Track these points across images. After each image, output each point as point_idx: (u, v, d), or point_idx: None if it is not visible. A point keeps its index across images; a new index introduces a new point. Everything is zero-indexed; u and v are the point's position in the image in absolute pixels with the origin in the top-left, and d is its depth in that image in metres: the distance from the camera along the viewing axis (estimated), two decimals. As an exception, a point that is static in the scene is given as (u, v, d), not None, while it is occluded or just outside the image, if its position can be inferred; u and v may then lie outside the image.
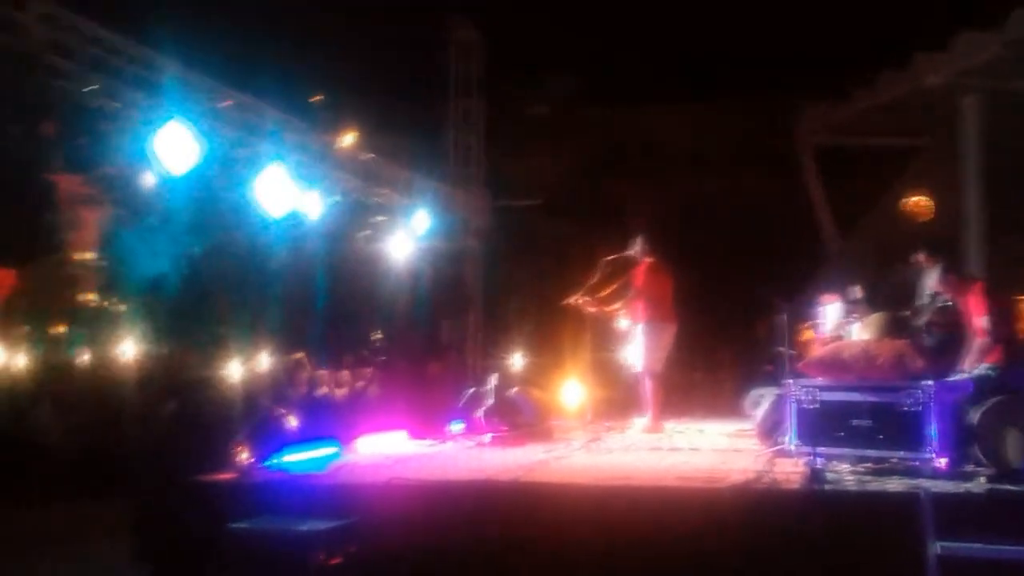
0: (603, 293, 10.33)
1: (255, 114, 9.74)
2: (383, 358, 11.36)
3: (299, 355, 9.63)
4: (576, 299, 10.26)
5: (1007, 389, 6.65)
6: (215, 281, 11.19)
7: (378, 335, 12.17)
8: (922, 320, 7.90)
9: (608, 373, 11.29)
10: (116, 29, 8.62)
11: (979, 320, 7.00)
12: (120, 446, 9.14)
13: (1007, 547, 4.88)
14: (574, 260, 18.11)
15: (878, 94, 16.91)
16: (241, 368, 9.26)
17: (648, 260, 10.03)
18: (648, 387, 9.83)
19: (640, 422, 9.89)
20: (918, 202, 17.83)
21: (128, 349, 13.16)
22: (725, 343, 17.39)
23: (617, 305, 10.24)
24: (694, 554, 5.43)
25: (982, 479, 5.95)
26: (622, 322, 10.26)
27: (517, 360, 12.53)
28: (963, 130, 15.86)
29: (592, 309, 10.28)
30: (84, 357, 13.41)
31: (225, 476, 6.56)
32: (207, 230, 11.98)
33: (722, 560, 5.39)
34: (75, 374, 12.84)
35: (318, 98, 14.23)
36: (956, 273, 7.53)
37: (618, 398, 11.29)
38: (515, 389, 10.00)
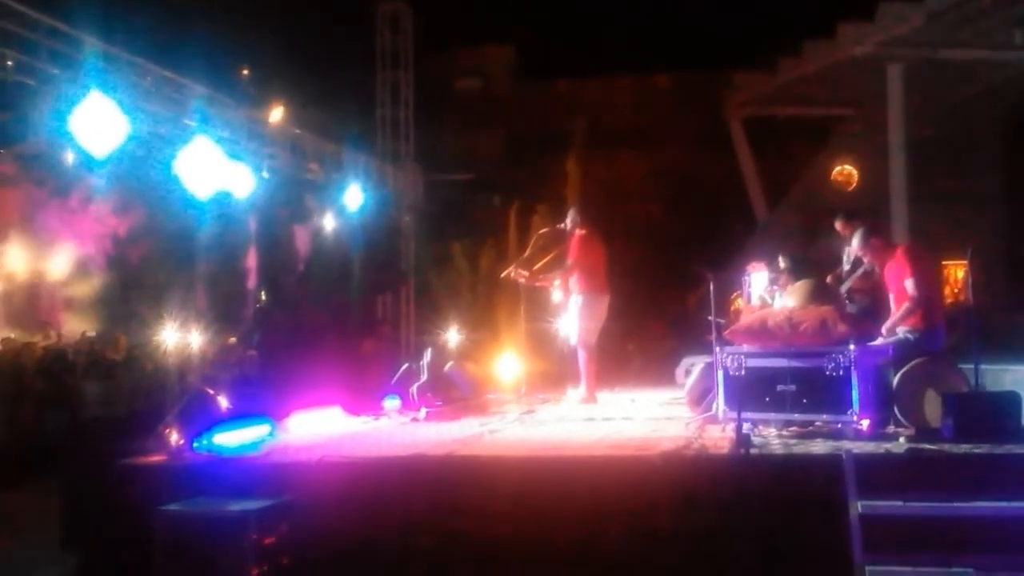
0: (537, 266, 10.35)
1: (179, 90, 9.54)
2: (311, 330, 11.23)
3: (230, 335, 9.51)
4: (511, 272, 10.27)
5: (925, 352, 6.84)
6: (142, 261, 10.98)
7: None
8: (845, 286, 8.07)
9: (542, 345, 11.35)
10: (32, 3, 8.37)
11: (904, 284, 7.13)
12: (43, 431, 8.95)
13: (925, 504, 5.03)
14: (507, 233, 18.23)
15: (804, 65, 17.15)
16: (170, 348, 9.10)
17: (581, 232, 10.05)
18: (582, 358, 9.87)
19: (574, 393, 9.96)
20: (843, 171, 18.17)
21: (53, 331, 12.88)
22: (658, 313, 17.60)
23: (551, 277, 10.26)
24: (628, 520, 5.50)
25: (902, 440, 6.11)
26: (556, 294, 10.30)
27: (451, 334, 12.51)
28: (888, 99, 16.12)
29: (526, 282, 10.30)
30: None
31: (155, 458, 6.47)
32: (133, 209, 11.74)
33: (654, 524, 5.47)
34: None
35: (244, 73, 13.99)
36: (880, 238, 7.64)
37: (552, 370, 11.35)
38: (450, 363, 9.99)
